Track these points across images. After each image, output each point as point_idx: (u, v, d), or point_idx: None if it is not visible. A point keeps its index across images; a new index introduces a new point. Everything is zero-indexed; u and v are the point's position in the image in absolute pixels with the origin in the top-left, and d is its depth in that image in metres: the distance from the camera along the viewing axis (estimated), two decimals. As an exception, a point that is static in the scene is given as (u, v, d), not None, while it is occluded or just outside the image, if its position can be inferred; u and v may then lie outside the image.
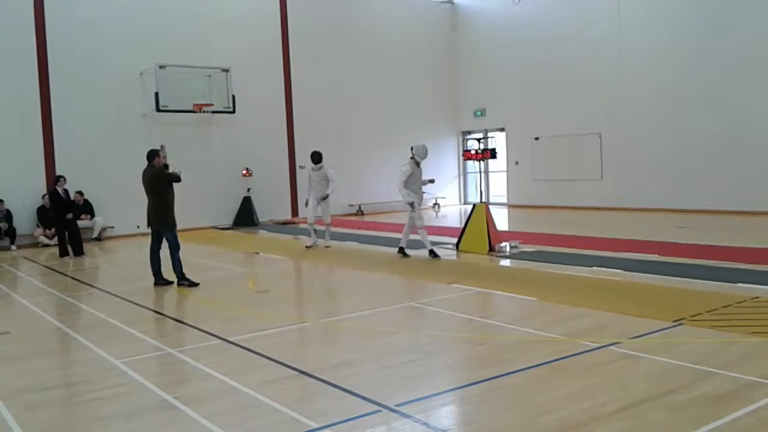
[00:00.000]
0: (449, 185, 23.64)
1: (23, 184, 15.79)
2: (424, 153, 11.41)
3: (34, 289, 10.45)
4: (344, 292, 9.03)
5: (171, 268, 9.51)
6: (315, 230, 13.29)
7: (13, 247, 15.26)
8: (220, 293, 9.04)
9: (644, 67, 18.00)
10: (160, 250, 9.67)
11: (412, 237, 11.67)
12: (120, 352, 6.14)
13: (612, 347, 5.67)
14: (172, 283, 9.57)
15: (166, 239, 9.53)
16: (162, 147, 9.90)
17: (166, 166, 9.87)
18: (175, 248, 9.47)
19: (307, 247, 13.19)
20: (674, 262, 9.77)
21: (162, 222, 9.54)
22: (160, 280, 9.61)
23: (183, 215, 10.16)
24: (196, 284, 9.38)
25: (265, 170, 19.37)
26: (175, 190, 9.71)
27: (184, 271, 9.47)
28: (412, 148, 11.45)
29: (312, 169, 13.20)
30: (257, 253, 13.36)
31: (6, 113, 15.67)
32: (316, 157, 13.10)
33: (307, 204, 13.33)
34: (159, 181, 9.51)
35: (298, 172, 20.34)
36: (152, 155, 9.70)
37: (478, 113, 23.18)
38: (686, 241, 11.89)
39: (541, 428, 4.04)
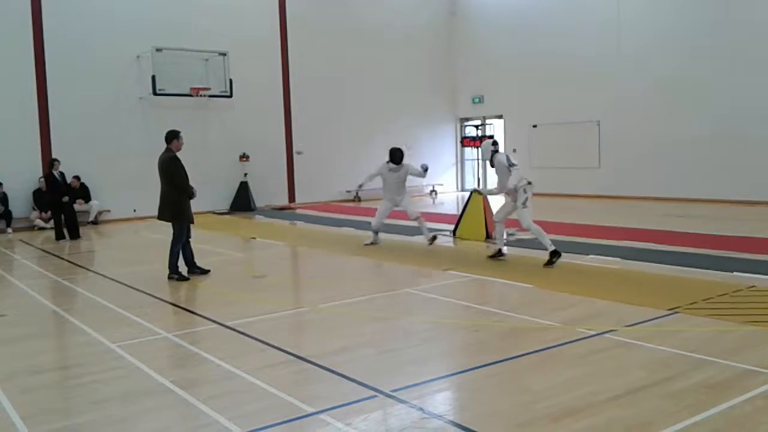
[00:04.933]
0: (447, 172, 23.61)
1: (19, 167, 15.70)
2: (484, 152, 9.81)
3: (30, 272, 10.43)
4: (341, 278, 9.02)
5: (189, 256, 9.16)
6: (377, 232, 11.47)
7: (9, 230, 15.21)
8: (216, 278, 9.01)
9: (643, 55, 17.93)
10: (190, 239, 9.18)
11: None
12: (116, 335, 6.14)
13: (608, 335, 5.68)
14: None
15: (172, 228, 8.95)
16: None
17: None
18: (176, 240, 8.90)
19: (366, 244, 11.41)
20: (671, 251, 9.78)
21: (169, 213, 8.87)
22: (194, 269, 9.15)
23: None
24: (186, 279, 8.88)
25: (262, 155, 19.31)
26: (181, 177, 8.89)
27: (177, 265, 8.94)
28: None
29: (389, 169, 11.18)
30: (254, 238, 13.33)
31: (2, 96, 15.54)
32: (399, 156, 11.15)
33: (360, 187, 11.61)
34: (168, 170, 8.77)
35: (296, 157, 20.32)
36: (170, 137, 8.86)
37: (477, 100, 23.09)
38: (683, 230, 11.90)
39: (537, 415, 4.05)
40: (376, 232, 11.44)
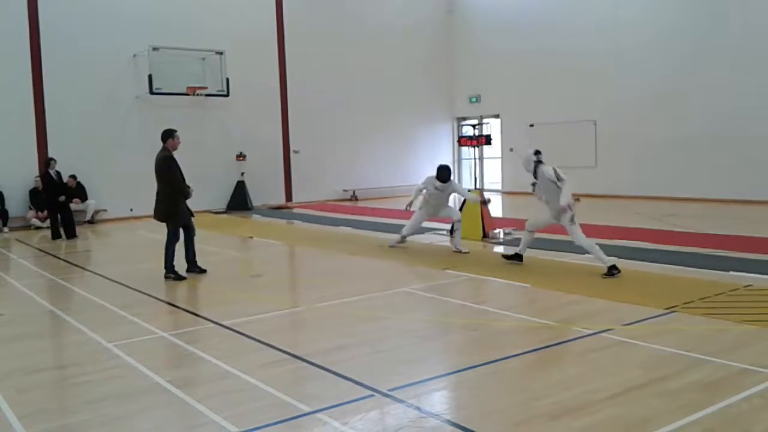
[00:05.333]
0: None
1: (15, 166, 15.67)
2: (527, 164, 8.91)
3: (27, 271, 10.40)
4: (338, 277, 9.01)
5: (191, 255, 9.07)
6: (404, 238, 10.89)
7: (6, 230, 15.17)
8: (213, 277, 8.99)
9: (640, 55, 17.96)
10: (194, 237, 9.10)
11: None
12: (112, 335, 6.12)
13: (605, 334, 5.69)
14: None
15: (167, 228, 8.84)
16: None
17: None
18: (170, 239, 8.77)
19: (390, 246, 10.93)
20: (667, 250, 9.79)
21: (163, 214, 8.80)
22: (193, 268, 9.04)
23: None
24: (183, 278, 8.78)
25: (258, 154, 19.29)
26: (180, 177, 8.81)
27: (174, 263, 8.82)
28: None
29: (435, 187, 10.48)
30: (251, 237, 13.32)
31: (-2, 94, 15.54)
32: (447, 174, 10.46)
33: (408, 207, 10.85)
34: (162, 169, 8.68)
35: (292, 156, 20.30)
36: (165, 136, 8.76)
37: (474, 99, 23.11)
38: (679, 229, 11.92)
39: (534, 413, 4.05)
40: (404, 238, 10.88)
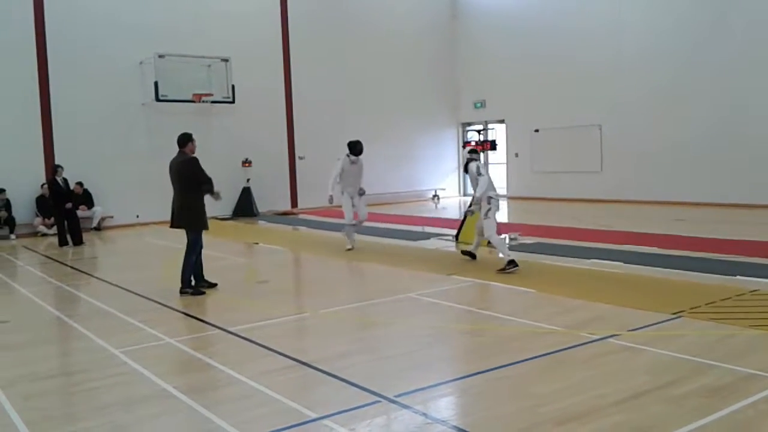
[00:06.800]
0: (449, 177, 23.63)
1: (22, 174, 15.74)
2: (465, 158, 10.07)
3: (34, 278, 10.45)
4: (343, 283, 9.02)
5: (200, 269, 8.61)
6: (347, 227, 11.58)
7: (13, 237, 15.25)
8: (219, 284, 9.00)
9: (645, 59, 17.95)
10: (202, 249, 8.61)
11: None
12: (119, 341, 6.15)
13: (611, 339, 5.68)
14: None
15: (187, 237, 8.34)
16: None
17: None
18: (191, 249, 8.28)
19: (347, 249, 11.41)
20: (674, 255, 9.77)
21: (186, 221, 8.31)
22: (201, 283, 8.50)
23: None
24: (201, 293, 8.26)
25: (264, 161, 19.34)
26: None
27: (190, 279, 8.36)
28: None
29: (350, 162, 11.32)
30: (257, 243, 13.35)
31: (5, 102, 15.59)
32: (359, 149, 11.35)
33: (331, 201, 11.38)
34: (187, 174, 8.21)
35: (298, 162, 20.35)
36: (184, 140, 8.35)
37: (478, 105, 23.12)
38: (686, 234, 11.89)
39: (540, 419, 4.04)
40: (349, 229, 11.49)
